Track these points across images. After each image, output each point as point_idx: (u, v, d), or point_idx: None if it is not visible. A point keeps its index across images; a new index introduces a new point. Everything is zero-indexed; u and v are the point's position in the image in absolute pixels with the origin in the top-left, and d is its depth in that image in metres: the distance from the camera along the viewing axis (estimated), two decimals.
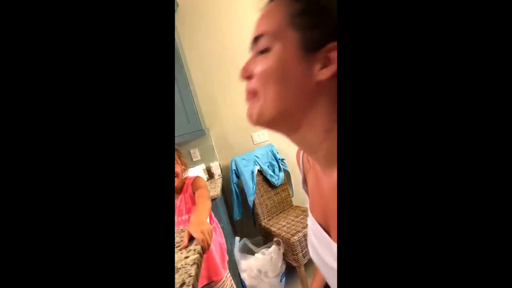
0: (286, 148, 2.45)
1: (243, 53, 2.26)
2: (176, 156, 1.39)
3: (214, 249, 1.36)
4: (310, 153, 0.50)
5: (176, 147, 1.47)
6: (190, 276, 0.75)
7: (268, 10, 0.44)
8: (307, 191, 0.62)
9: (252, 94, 0.45)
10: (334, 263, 0.46)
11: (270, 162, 2.30)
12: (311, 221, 0.57)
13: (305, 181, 0.63)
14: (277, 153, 2.36)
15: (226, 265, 1.45)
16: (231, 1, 2.35)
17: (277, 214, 2.26)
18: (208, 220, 1.15)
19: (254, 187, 2.18)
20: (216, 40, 2.38)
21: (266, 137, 2.48)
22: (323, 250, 0.51)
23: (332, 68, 0.41)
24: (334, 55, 0.41)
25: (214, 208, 1.73)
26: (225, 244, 1.50)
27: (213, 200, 1.83)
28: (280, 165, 2.33)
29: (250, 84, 0.45)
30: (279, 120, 0.44)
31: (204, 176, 2.34)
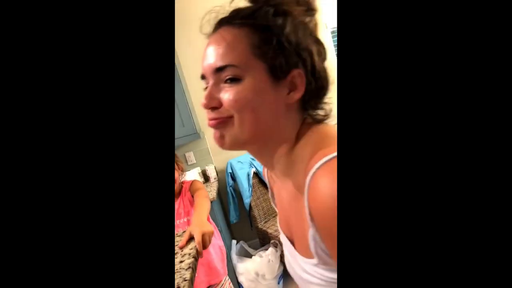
0: None
1: None
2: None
3: (214, 251, 1.36)
4: (270, 168, 0.53)
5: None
6: (185, 280, 0.74)
7: (229, 42, 0.45)
8: (276, 205, 0.64)
9: (222, 121, 0.46)
10: (302, 273, 0.49)
11: None
12: (280, 233, 0.59)
13: (273, 195, 0.65)
14: None
15: (226, 267, 1.44)
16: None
17: (274, 216, 2.25)
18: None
19: (250, 190, 2.18)
20: None
21: None
22: (292, 260, 0.53)
23: (299, 92, 0.46)
24: (299, 80, 0.45)
25: (210, 212, 1.72)
26: (223, 246, 1.49)
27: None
28: None
29: (221, 112, 0.46)
30: (252, 143, 0.47)
31: (200, 180, 2.33)
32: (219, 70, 0.44)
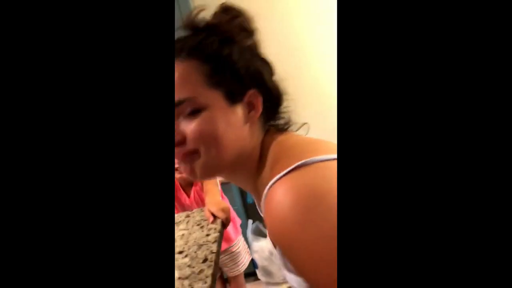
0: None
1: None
2: None
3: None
4: (244, 188, 0.55)
5: None
6: (212, 253, 0.79)
7: (181, 76, 0.45)
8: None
9: (188, 155, 0.47)
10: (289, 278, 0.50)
11: None
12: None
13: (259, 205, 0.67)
14: None
15: (239, 228, 1.50)
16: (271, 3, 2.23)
17: None
18: None
19: None
20: None
21: None
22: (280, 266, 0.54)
23: (258, 110, 0.48)
24: (255, 100, 0.47)
25: (228, 191, 1.77)
26: (235, 213, 1.54)
27: (227, 183, 1.87)
28: None
29: (186, 146, 0.46)
30: (222, 170, 0.49)
31: None
32: (177, 105, 0.44)
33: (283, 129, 0.52)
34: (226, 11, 0.48)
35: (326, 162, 0.39)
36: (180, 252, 0.82)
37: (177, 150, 0.46)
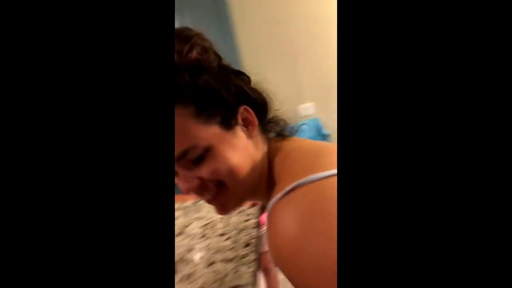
0: (333, 123, 2.44)
1: (299, 42, 2.21)
2: None
3: None
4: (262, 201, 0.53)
5: None
6: (253, 238, 0.81)
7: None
8: None
9: (216, 195, 0.47)
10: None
11: (313, 138, 2.31)
12: None
13: None
14: (323, 128, 2.36)
15: None
16: None
17: None
18: None
19: None
20: (272, 31, 2.32)
21: (313, 110, 2.47)
22: None
23: (254, 123, 0.48)
24: (248, 114, 0.47)
25: None
26: None
27: None
28: (326, 140, 2.34)
29: (207, 187, 0.46)
30: (249, 194, 0.50)
31: None
32: (181, 158, 0.43)
33: (283, 135, 0.53)
34: (182, 40, 0.44)
35: (325, 180, 0.38)
36: (222, 235, 0.85)
37: (201, 195, 0.47)
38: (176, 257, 0.79)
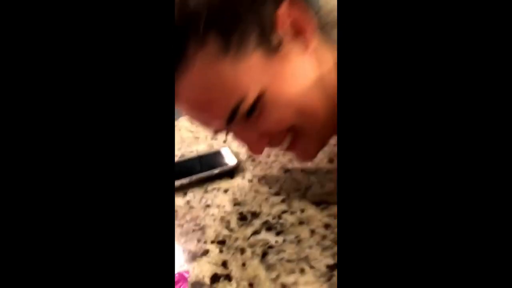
0: None
1: None
2: None
3: None
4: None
5: None
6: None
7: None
8: None
9: (293, 144, 0.40)
10: None
11: None
12: None
13: None
14: None
15: None
16: None
17: None
18: None
19: None
20: None
21: None
22: None
23: (309, 28, 0.34)
24: (297, 16, 0.33)
25: None
26: None
27: None
28: None
29: (282, 140, 0.38)
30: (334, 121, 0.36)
31: None
32: (231, 117, 0.34)
33: None
34: None
35: None
36: None
37: (275, 147, 0.41)
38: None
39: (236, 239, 0.52)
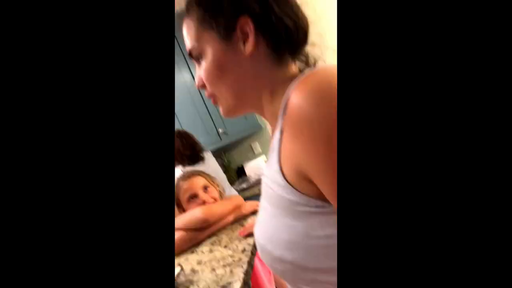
0: None
1: None
2: (210, 181, 1.28)
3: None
4: (265, 117, 0.53)
5: (206, 173, 1.32)
6: (249, 244, 0.94)
7: (184, 32, 0.50)
8: None
9: (210, 97, 0.51)
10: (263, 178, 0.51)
11: None
12: None
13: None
14: None
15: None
16: None
17: None
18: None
19: None
20: None
21: None
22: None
23: (251, 40, 0.45)
24: (246, 28, 0.45)
25: None
26: None
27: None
28: None
29: (207, 91, 0.51)
30: (241, 105, 0.50)
31: None
32: (190, 55, 0.49)
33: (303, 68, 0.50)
34: None
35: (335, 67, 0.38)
36: (225, 247, 0.98)
37: (206, 93, 0.51)
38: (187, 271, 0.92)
39: None
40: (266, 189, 0.48)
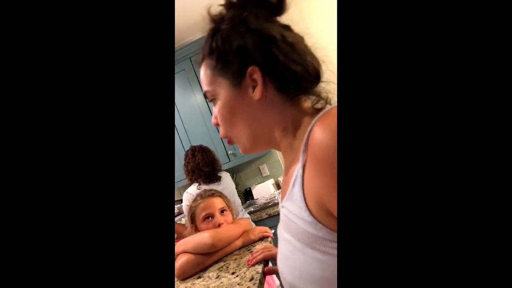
0: None
1: None
2: (227, 204, 1.27)
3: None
4: (279, 149, 0.56)
5: (225, 195, 1.31)
6: (258, 273, 0.92)
7: (202, 71, 0.54)
8: None
9: (228, 139, 0.56)
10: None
11: None
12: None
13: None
14: None
15: None
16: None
17: None
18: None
19: None
20: None
21: None
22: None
23: (259, 86, 0.49)
24: (254, 75, 0.49)
25: None
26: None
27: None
28: None
29: (220, 132, 0.55)
30: (257, 144, 0.55)
31: (273, 189, 2.52)
32: (205, 96, 0.55)
33: (318, 107, 0.52)
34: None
35: None
36: (233, 273, 0.97)
37: (220, 133, 0.56)
38: None
39: None
40: (287, 222, 0.49)
